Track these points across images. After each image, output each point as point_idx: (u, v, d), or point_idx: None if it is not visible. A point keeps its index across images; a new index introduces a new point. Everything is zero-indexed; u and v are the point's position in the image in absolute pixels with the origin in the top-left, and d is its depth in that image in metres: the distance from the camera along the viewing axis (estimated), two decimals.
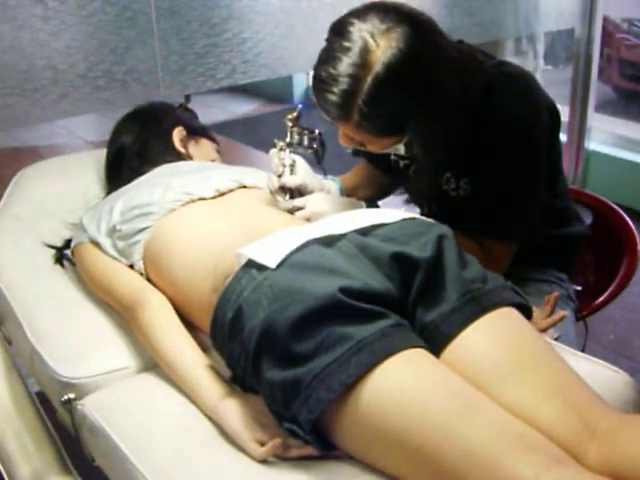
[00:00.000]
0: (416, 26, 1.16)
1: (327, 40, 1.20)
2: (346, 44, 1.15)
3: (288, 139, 1.37)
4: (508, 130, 1.29)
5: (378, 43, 1.13)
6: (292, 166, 1.34)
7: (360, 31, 1.14)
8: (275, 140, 1.36)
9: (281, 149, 1.35)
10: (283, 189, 1.33)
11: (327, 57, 1.18)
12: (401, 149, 1.28)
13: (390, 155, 1.47)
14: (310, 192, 1.35)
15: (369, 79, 1.13)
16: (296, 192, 1.34)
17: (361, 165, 1.64)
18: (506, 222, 1.35)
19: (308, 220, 1.28)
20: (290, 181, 1.32)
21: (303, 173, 1.34)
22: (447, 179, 1.39)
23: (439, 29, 1.23)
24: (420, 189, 1.41)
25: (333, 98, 1.16)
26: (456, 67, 1.23)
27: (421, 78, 1.16)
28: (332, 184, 1.47)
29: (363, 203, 1.36)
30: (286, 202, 1.31)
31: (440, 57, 1.19)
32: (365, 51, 1.13)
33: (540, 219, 1.39)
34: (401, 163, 1.47)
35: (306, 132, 1.39)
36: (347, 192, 1.52)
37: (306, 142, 1.39)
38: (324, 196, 1.34)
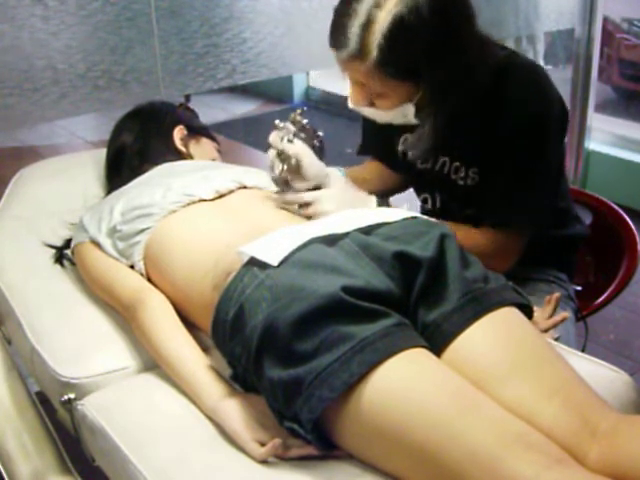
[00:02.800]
0: None
1: None
2: None
3: (289, 124, 1.35)
4: (520, 118, 1.28)
5: None
6: (290, 141, 1.31)
7: None
8: (276, 121, 1.33)
9: (281, 128, 1.32)
10: (282, 155, 1.27)
11: None
12: (410, 114, 1.27)
13: (396, 150, 1.46)
14: (308, 166, 1.28)
15: (391, 13, 1.13)
16: (293, 170, 1.28)
17: (369, 162, 1.63)
18: (514, 212, 1.33)
19: (309, 218, 1.27)
20: (289, 148, 1.26)
21: (301, 146, 1.29)
22: (456, 168, 1.38)
23: None
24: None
25: (353, 30, 1.16)
26: (476, 27, 1.24)
27: (443, 17, 1.16)
28: (334, 170, 1.44)
29: (374, 198, 1.32)
30: (291, 194, 1.28)
31: (464, 11, 1.21)
32: None
33: (550, 207, 1.37)
34: (409, 154, 1.45)
35: (308, 127, 1.37)
36: (354, 183, 1.49)
37: (308, 135, 1.37)
38: (334, 193, 1.29)
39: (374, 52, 1.16)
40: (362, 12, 1.15)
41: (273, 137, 1.30)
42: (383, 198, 1.36)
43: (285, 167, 1.28)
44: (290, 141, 1.29)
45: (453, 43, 1.19)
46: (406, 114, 1.27)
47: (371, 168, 1.61)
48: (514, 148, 1.30)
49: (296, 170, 1.28)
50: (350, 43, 1.17)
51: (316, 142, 1.37)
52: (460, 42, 1.20)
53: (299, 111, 1.36)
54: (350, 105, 1.30)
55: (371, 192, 1.35)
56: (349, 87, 1.27)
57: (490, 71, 1.27)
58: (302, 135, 1.34)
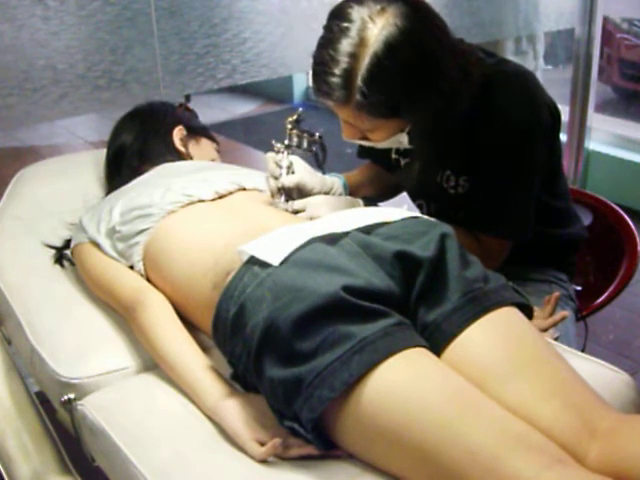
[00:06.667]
0: (412, 5, 1.17)
1: (325, 26, 1.20)
2: (345, 25, 1.15)
3: (287, 141, 1.37)
4: (505, 128, 1.29)
5: (375, 21, 1.14)
6: (289, 167, 1.33)
7: (358, 12, 1.15)
8: (272, 142, 1.35)
9: (278, 151, 1.34)
10: (281, 190, 1.33)
11: (326, 40, 1.18)
12: (404, 142, 1.28)
13: (391, 157, 1.47)
14: (311, 190, 1.34)
15: (367, 57, 1.13)
16: (295, 192, 1.34)
17: (367, 164, 1.64)
18: (499, 219, 1.35)
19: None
20: (287, 181, 1.32)
21: (302, 173, 1.34)
22: (447, 177, 1.39)
23: (437, 14, 1.23)
24: (414, 180, 1.40)
25: (334, 79, 1.16)
26: (455, 52, 1.23)
27: (419, 55, 1.16)
28: (336, 180, 1.46)
29: (360, 201, 1.36)
30: (285, 204, 1.31)
31: (438, 38, 1.20)
32: (363, 29, 1.14)
33: (532, 216, 1.39)
34: (402, 161, 1.46)
35: (306, 135, 1.38)
36: (351, 190, 1.52)
37: (306, 145, 1.39)
38: (323, 198, 1.34)
39: (356, 97, 1.16)
40: (341, 60, 1.14)
41: (271, 167, 1.34)
42: (370, 201, 1.38)
43: (289, 198, 1.32)
44: (289, 167, 1.31)
45: (431, 70, 1.18)
46: (401, 141, 1.28)
47: (369, 171, 1.62)
48: (497, 158, 1.31)
49: (300, 193, 1.33)
50: (333, 92, 1.17)
51: (314, 147, 1.38)
52: (438, 67, 1.19)
53: (295, 117, 1.37)
54: (344, 138, 1.31)
55: (369, 195, 1.37)
56: (341, 123, 1.28)
57: (476, 84, 1.27)
58: (300, 150, 1.36)
